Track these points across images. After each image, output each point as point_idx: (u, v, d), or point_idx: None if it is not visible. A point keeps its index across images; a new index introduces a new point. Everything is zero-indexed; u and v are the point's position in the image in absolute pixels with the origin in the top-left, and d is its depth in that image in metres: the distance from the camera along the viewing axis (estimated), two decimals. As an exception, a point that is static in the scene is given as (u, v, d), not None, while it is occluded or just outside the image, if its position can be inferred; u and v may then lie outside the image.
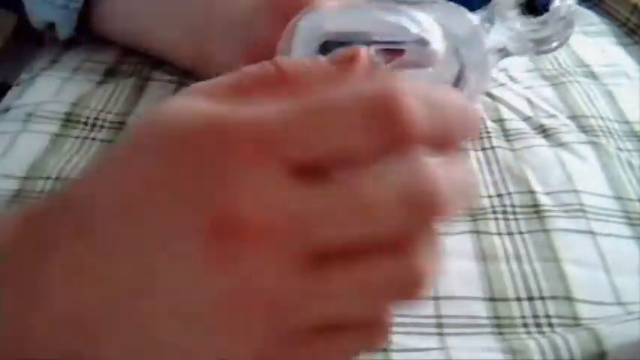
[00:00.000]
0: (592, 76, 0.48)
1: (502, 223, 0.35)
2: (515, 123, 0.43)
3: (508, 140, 0.41)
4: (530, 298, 0.31)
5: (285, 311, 0.19)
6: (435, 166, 0.19)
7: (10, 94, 0.47)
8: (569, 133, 0.41)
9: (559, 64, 0.50)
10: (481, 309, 0.30)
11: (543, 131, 0.42)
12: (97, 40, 0.51)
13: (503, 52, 0.31)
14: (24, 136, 0.41)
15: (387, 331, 0.21)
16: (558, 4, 0.31)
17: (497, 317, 0.30)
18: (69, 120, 0.43)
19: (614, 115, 0.44)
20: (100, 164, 0.23)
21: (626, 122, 0.43)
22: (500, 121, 0.43)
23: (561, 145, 0.40)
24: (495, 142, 0.41)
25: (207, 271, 0.19)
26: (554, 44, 0.31)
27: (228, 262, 0.18)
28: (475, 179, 0.25)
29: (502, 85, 0.46)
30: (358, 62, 0.22)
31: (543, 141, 0.41)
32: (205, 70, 0.45)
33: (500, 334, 0.29)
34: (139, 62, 0.49)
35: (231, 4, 0.41)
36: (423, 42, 0.28)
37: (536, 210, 0.36)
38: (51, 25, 0.50)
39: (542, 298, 0.31)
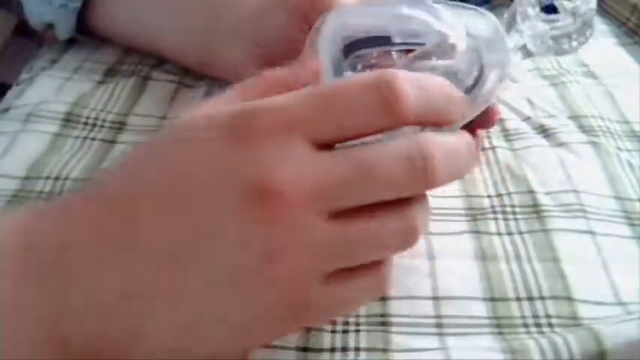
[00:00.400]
0: (592, 76, 0.48)
1: (502, 223, 0.35)
2: (515, 123, 0.43)
3: (508, 140, 0.41)
4: (530, 298, 0.31)
5: (314, 260, 0.23)
6: (433, 143, 0.24)
7: (10, 93, 0.47)
8: (569, 133, 0.41)
9: (559, 64, 0.50)
10: (481, 309, 0.30)
11: (543, 131, 0.42)
12: (97, 40, 0.51)
13: (525, 52, 0.31)
14: (24, 136, 0.41)
15: (389, 279, 0.26)
16: (579, 4, 0.31)
17: (497, 317, 0.30)
18: (69, 120, 0.43)
19: (614, 115, 0.44)
20: (138, 154, 0.26)
21: (626, 122, 0.43)
22: (500, 121, 0.43)
23: (561, 145, 0.40)
24: (495, 142, 0.41)
25: (248, 233, 0.22)
26: (574, 44, 0.31)
27: (266, 222, 0.22)
28: (472, 148, 0.27)
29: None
30: None
31: (543, 141, 0.41)
32: (211, 70, 0.45)
33: (500, 334, 0.29)
34: (139, 62, 0.49)
35: (237, 3, 0.41)
36: (444, 36, 0.28)
37: (536, 210, 0.36)
38: (50, 26, 0.50)
39: (542, 298, 0.31)
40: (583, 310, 0.30)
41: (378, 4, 0.30)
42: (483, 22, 0.30)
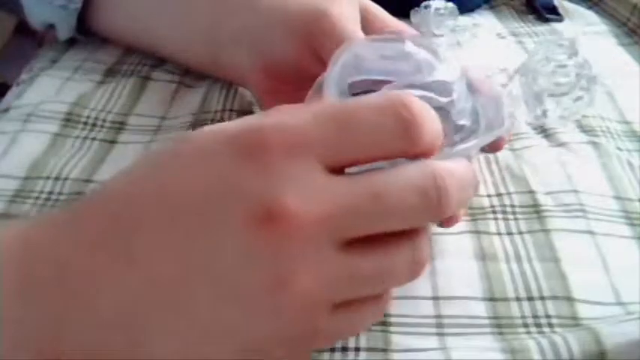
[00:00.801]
0: (592, 81, 0.48)
1: (502, 223, 0.35)
2: (515, 123, 0.43)
3: (508, 140, 0.41)
4: (530, 298, 0.31)
5: (323, 291, 0.23)
6: (444, 171, 0.24)
7: (10, 94, 0.47)
8: (569, 133, 0.41)
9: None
10: (481, 309, 0.30)
11: (543, 131, 0.42)
12: (97, 40, 0.51)
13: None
14: (24, 136, 0.41)
15: (389, 303, 0.26)
16: (577, 73, 0.31)
17: (496, 317, 0.30)
18: (69, 120, 0.43)
19: (614, 115, 0.44)
20: (139, 166, 0.25)
21: (626, 122, 0.43)
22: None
23: (561, 145, 0.40)
24: (495, 142, 0.41)
25: (255, 253, 0.22)
26: (585, 100, 0.32)
27: (276, 244, 0.21)
28: (475, 177, 0.27)
29: (502, 84, 0.46)
30: None
31: (543, 141, 0.41)
32: (215, 71, 0.45)
33: (500, 334, 0.29)
34: (139, 62, 0.50)
35: (241, 12, 0.41)
36: (442, 80, 0.28)
37: (536, 210, 0.36)
38: (51, 26, 0.50)
39: (542, 298, 0.31)
40: (583, 310, 0.30)
41: (386, 46, 0.29)
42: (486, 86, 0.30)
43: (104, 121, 0.43)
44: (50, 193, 0.37)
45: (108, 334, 0.23)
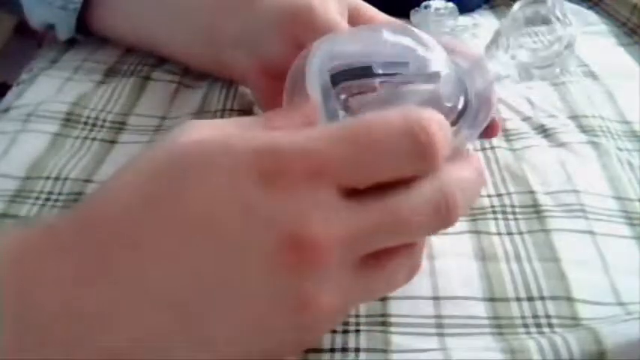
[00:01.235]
0: (592, 76, 0.48)
1: (502, 223, 0.35)
2: (515, 123, 0.43)
3: (508, 140, 0.41)
4: (530, 298, 0.31)
5: (340, 306, 0.24)
6: (452, 183, 0.25)
7: (10, 94, 0.47)
8: (569, 133, 0.41)
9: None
10: (481, 309, 0.30)
11: (543, 131, 0.42)
12: (97, 40, 0.51)
13: (508, 80, 0.32)
14: (24, 136, 0.41)
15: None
16: (560, 34, 0.31)
17: (496, 317, 0.30)
18: (69, 120, 0.43)
19: (614, 115, 0.44)
20: (150, 178, 0.24)
21: (626, 122, 0.43)
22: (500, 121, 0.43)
23: (561, 145, 0.40)
24: (495, 142, 0.41)
25: (279, 278, 0.22)
26: (557, 70, 0.32)
27: (299, 272, 0.22)
28: (483, 179, 0.28)
29: (502, 85, 0.46)
30: None
31: (543, 141, 0.41)
32: (217, 70, 0.45)
33: (500, 334, 0.29)
34: (139, 62, 0.50)
35: (237, 14, 0.40)
36: (425, 61, 0.29)
37: (536, 210, 0.36)
38: (50, 26, 0.50)
39: (542, 298, 0.31)
40: (583, 310, 0.30)
41: (363, 34, 0.30)
42: (466, 51, 0.31)
43: (104, 121, 0.43)
44: (50, 193, 0.37)
45: None
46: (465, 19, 0.55)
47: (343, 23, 0.36)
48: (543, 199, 0.36)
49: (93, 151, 0.40)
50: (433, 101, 0.28)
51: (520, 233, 0.34)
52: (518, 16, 0.32)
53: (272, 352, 0.24)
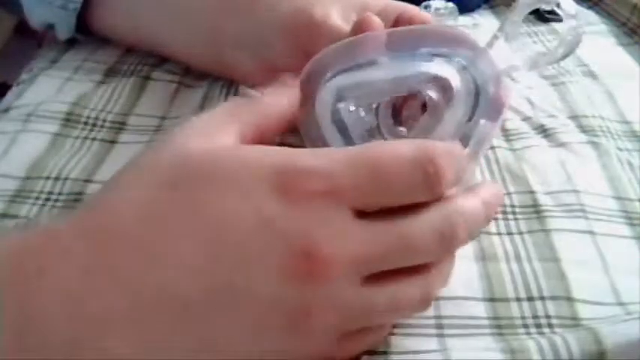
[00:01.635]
0: (592, 76, 0.48)
1: (502, 223, 0.35)
2: (515, 123, 0.43)
3: (508, 140, 0.41)
4: (530, 299, 0.31)
5: (341, 322, 0.25)
6: (458, 213, 0.26)
7: (10, 94, 0.47)
8: (569, 133, 0.41)
9: (559, 64, 0.50)
10: (481, 309, 0.30)
11: (543, 131, 0.42)
12: (97, 40, 0.51)
13: (513, 69, 0.32)
14: (24, 136, 0.41)
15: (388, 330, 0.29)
16: (567, 28, 0.32)
17: (496, 318, 0.30)
18: (69, 120, 0.43)
19: (614, 115, 0.44)
20: (161, 184, 0.24)
21: (626, 122, 0.43)
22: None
23: (561, 145, 0.40)
24: (495, 142, 0.41)
25: (284, 294, 0.23)
26: (561, 57, 0.32)
27: (305, 285, 0.23)
28: (490, 212, 0.29)
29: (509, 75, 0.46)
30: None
31: (543, 141, 0.41)
32: (219, 70, 0.45)
33: (500, 334, 0.29)
34: (139, 62, 0.49)
35: (239, 14, 0.41)
36: (439, 80, 0.30)
37: (536, 210, 0.36)
38: (50, 26, 0.50)
39: (542, 299, 0.31)
40: (583, 311, 0.30)
41: (367, 66, 0.30)
42: (468, 45, 0.31)
43: (104, 121, 0.43)
44: (50, 193, 0.37)
45: None
46: (465, 19, 0.55)
47: (345, 29, 0.36)
48: (543, 199, 0.36)
49: (93, 151, 0.40)
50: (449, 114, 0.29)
51: (520, 233, 0.34)
52: (520, 10, 0.32)
53: (271, 355, 0.25)
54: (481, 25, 0.56)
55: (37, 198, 0.36)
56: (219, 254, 0.23)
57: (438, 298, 0.31)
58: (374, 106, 0.31)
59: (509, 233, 0.34)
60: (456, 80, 0.30)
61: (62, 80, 0.47)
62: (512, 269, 0.32)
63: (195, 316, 0.23)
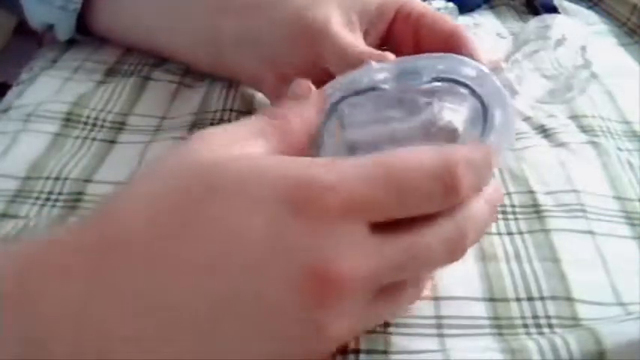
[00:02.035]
0: (592, 76, 0.48)
1: (502, 223, 0.35)
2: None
3: (508, 140, 0.41)
4: (530, 299, 0.31)
5: (354, 329, 0.26)
6: (468, 222, 0.26)
7: (10, 93, 0.47)
8: (569, 133, 0.41)
9: (559, 64, 0.50)
10: (481, 309, 0.30)
11: (543, 131, 0.42)
12: (97, 40, 0.51)
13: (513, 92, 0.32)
14: (24, 136, 0.41)
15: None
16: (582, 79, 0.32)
17: (496, 318, 0.30)
18: (69, 120, 0.43)
19: (614, 115, 0.44)
20: (170, 195, 0.24)
21: (626, 122, 0.43)
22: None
23: (561, 145, 0.40)
24: (495, 142, 0.41)
25: (298, 305, 0.23)
26: (575, 92, 0.32)
27: (319, 303, 0.23)
28: (495, 214, 0.29)
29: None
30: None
31: (543, 141, 0.41)
32: (221, 71, 0.45)
33: (500, 334, 0.29)
34: (139, 62, 0.50)
35: (241, 17, 0.40)
36: (452, 128, 0.29)
37: (536, 210, 0.36)
38: (51, 26, 0.50)
39: (541, 299, 0.31)
40: (583, 311, 0.30)
41: (377, 117, 0.30)
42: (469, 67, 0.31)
43: (104, 121, 0.43)
44: (50, 193, 0.37)
45: None
46: (465, 19, 0.55)
47: (345, 31, 0.36)
48: (543, 199, 0.36)
49: (93, 151, 0.40)
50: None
51: (520, 233, 0.34)
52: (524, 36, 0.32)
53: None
54: (481, 24, 0.56)
55: (37, 198, 0.36)
56: (227, 267, 0.23)
57: (438, 298, 0.31)
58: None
59: (510, 233, 0.34)
60: (460, 120, 0.29)
61: (62, 80, 0.47)
62: (512, 269, 0.32)
63: (203, 330, 0.23)
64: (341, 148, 0.29)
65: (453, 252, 0.26)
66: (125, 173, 0.38)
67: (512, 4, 0.61)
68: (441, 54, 0.31)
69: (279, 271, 0.23)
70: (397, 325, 0.29)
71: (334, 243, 0.23)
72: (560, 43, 0.31)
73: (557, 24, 0.31)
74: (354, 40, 0.36)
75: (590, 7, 0.60)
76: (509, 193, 0.37)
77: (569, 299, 0.30)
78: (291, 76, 0.37)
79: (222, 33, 0.41)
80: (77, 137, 0.41)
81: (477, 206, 0.26)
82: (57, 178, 0.38)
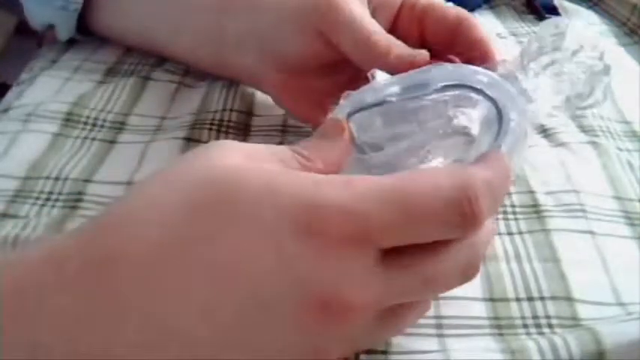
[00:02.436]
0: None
1: (502, 223, 0.35)
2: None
3: (508, 140, 0.41)
4: (530, 299, 0.31)
5: (359, 346, 0.27)
6: (481, 246, 0.26)
7: (10, 94, 0.47)
8: (569, 133, 0.41)
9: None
10: (481, 309, 0.30)
11: (543, 131, 0.42)
12: (97, 40, 0.51)
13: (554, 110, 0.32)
14: (24, 136, 0.41)
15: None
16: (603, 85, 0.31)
17: (496, 318, 0.30)
18: (69, 120, 0.43)
19: (614, 115, 0.44)
20: (177, 211, 0.23)
21: (626, 122, 0.43)
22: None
23: (561, 145, 0.40)
24: (495, 142, 0.41)
25: (304, 331, 0.23)
26: (599, 97, 0.32)
27: (322, 329, 0.23)
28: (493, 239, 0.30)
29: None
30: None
31: (543, 141, 0.41)
32: (223, 72, 0.45)
33: (500, 334, 0.29)
34: (139, 62, 0.50)
35: (244, 16, 0.40)
36: (466, 134, 0.29)
37: (536, 210, 0.36)
38: (51, 26, 0.50)
39: (541, 299, 0.31)
40: (583, 311, 0.30)
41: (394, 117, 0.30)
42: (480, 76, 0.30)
43: (104, 121, 0.43)
44: (50, 193, 0.37)
45: None
46: (465, 19, 0.55)
47: (366, 15, 0.36)
48: (543, 199, 0.36)
49: (93, 151, 0.40)
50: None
51: (520, 233, 0.34)
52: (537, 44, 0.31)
53: None
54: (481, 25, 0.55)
55: (37, 198, 0.36)
56: (233, 295, 0.22)
57: (437, 298, 0.31)
58: None
59: (510, 233, 0.34)
60: (475, 124, 0.29)
61: (62, 80, 0.47)
62: (512, 269, 0.32)
63: (205, 354, 0.22)
64: (354, 165, 0.29)
65: (469, 275, 0.26)
66: (125, 173, 0.38)
67: (512, 4, 0.61)
68: (452, 64, 0.31)
69: (283, 300, 0.22)
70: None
71: (344, 272, 0.22)
72: (576, 52, 0.31)
73: (571, 31, 0.31)
74: (359, 12, 0.35)
75: (590, 7, 0.60)
76: (509, 193, 0.37)
77: (569, 299, 0.30)
78: (298, 69, 0.37)
79: (225, 32, 0.41)
80: (77, 137, 0.41)
81: (489, 222, 0.25)
82: (57, 178, 0.38)
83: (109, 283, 0.22)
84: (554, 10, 0.58)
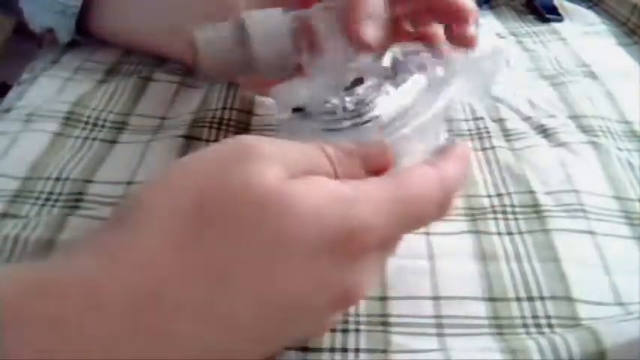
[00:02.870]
0: (592, 76, 0.48)
1: (502, 223, 0.35)
2: (515, 123, 0.43)
3: (508, 140, 0.41)
4: (530, 298, 0.31)
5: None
6: (453, 184, 0.28)
7: (11, 94, 0.47)
8: (569, 133, 0.41)
9: (559, 64, 0.50)
10: (481, 309, 0.30)
11: (543, 131, 0.42)
12: (97, 41, 0.51)
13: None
14: (25, 136, 0.41)
15: None
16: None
17: (496, 317, 0.30)
18: (70, 120, 0.43)
19: (614, 115, 0.44)
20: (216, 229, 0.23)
21: (626, 122, 0.43)
22: (500, 121, 0.43)
23: (561, 145, 0.41)
24: (495, 142, 0.41)
25: (319, 318, 0.26)
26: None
27: (335, 312, 0.27)
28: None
29: (502, 85, 0.46)
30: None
31: (543, 141, 0.41)
32: None
33: (500, 334, 0.29)
34: (140, 62, 0.50)
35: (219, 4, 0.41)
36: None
37: (536, 210, 0.36)
38: (50, 29, 0.50)
39: (541, 298, 0.31)
40: (583, 311, 0.30)
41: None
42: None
43: (105, 121, 0.43)
44: (50, 193, 0.37)
45: None
46: (465, 19, 0.55)
47: None
48: (543, 199, 0.36)
49: (93, 151, 0.40)
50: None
51: (520, 233, 0.34)
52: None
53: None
54: (481, 25, 0.55)
55: (38, 198, 0.36)
56: (276, 320, 0.24)
57: (438, 298, 0.31)
58: None
59: (510, 233, 0.34)
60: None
61: (63, 80, 0.47)
62: (512, 269, 0.32)
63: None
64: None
65: (444, 207, 0.28)
66: (126, 173, 0.38)
67: (512, 4, 0.61)
68: None
69: (317, 298, 0.24)
70: (397, 324, 0.30)
71: (361, 273, 0.25)
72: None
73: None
74: None
75: (590, 7, 0.60)
76: (509, 193, 0.37)
77: (569, 299, 0.30)
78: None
79: (199, 18, 0.41)
80: (78, 137, 0.41)
81: (455, 165, 0.28)
82: (57, 178, 0.38)
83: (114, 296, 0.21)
84: (554, 10, 0.58)
